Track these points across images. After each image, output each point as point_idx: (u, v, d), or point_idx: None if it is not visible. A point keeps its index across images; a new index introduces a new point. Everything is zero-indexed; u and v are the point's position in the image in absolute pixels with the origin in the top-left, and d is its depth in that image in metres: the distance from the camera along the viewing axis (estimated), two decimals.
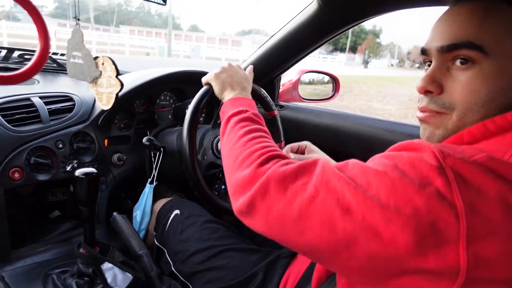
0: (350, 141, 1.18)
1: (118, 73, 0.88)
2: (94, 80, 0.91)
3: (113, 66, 0.87)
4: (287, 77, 1.47)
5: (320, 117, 1.26)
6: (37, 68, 0.67)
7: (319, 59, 26.91)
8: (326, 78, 1.56)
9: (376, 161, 0.43)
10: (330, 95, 1.55)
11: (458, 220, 0.35)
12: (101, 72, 0.90)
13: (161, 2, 0.86)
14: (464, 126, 0.48)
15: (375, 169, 0.41)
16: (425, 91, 0.51)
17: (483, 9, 0.46)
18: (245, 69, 0.89)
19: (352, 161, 0.46)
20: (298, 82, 1.45)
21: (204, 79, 0.86)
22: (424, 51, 0.53)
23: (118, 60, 0.91)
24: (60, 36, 12.92)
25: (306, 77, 1.51)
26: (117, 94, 0.89)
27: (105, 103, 0.93)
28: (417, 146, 0.42)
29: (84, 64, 0.90)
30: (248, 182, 0.50)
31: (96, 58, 0.90)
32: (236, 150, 0.58)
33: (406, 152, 0.42)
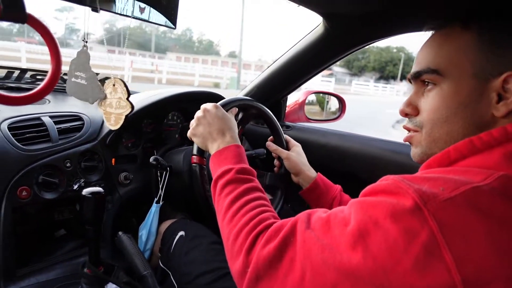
0: (356, 162, 1.17)
1: (129, 95, 0.90)
2: (102, 101, 0.92)
3: (125, 88, 0.89)
4: (292, 99, 1.48)
5: (326, 138, 1.27)
6: (49, 89, 0.69)
7: (370, 88, 27.19)
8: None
9: (355, 214, 0.44)
10: (336, 115, 1.56)
11: (450, 274, 0.35)
12: (105, 94, 0.91)
13: (171, 26, 0.88)
14: (435, 141, 0.53)
15: (356, 231, 0.42)
16: (405, 114, 0.57)
17: (442, 35, 0.53)
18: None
19: (333, 217, 0.47)
20: (304, 102, 1.46)
21: (188, 134, 0.82)
22: (409, 80, 0.59)
23: None
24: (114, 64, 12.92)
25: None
26: (126, 116, 0.91)
27: (113, 123, 0.94)
28: (395, 189, 0.43)
29: (87, 86, 0.91)
30: (241, 274, 0.52)
31: (106, 79, 0.91)
32: (225, 228, 0.60)
33: (384, 199, 0.43)
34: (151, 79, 13.87)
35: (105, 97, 0.91)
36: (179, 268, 0.89)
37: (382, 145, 1.15)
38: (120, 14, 0.79)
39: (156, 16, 0.85)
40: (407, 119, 0.58)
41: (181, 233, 0.97)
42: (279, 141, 1.03)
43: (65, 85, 1.30)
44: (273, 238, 0.51)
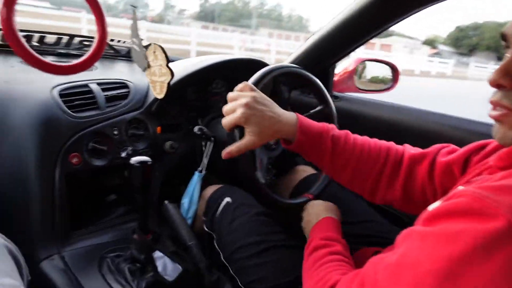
0: (412, 138, 1.08)
1: (168, 61, 0.87)
2: (149, 69, 0.91)
3: (163, 55, 0.86)
4: (342, 66, 1.39)
5: (379, 110, 1.18)
6: (96, 56, 0.67)
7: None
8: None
9: (428, 251, 0.36)
10: (388, 86, 1.45)
11: None
12: (148, 61, 0.89)
13: None
14: None
15: (437, 277, 0.35)
16: (497, 85, 0.45)
17: None
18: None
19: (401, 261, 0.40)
20: (354, 71, 1.37)
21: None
22: (503, 37, 0.46)
23: None
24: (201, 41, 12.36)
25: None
26: (168, 83, 0.89)
27: (158, 92, 0.93)
28: (479, 210, 0.35)
29: (139, 52, 0.90)
30: None
31: (148, 46, 0.89)
32: None
33: (466, 225, 0.35)
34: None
35: (148, 64, 0.90)
36: (223, 235, 0.88)
37: (442, 120, 1.05)
38: None
39: None
40: (498, 91, 0.47)
41: (228, 199, 0.95)
42: (327, 112, 0.97)
43: (111, 51, 1.31)
44: None
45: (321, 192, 0.97)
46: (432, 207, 0.41)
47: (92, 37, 1.24)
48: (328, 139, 0.72)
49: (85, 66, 0.60)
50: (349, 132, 0.77)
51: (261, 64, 1.24)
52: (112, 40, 1.32)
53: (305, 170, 1.25)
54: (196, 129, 1.02)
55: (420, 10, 0.99)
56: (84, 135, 0.88)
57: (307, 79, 0.96)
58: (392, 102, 1.28)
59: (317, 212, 0.81)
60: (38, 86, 0.89)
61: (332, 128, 0.75)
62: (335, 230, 0.74)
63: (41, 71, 0.59)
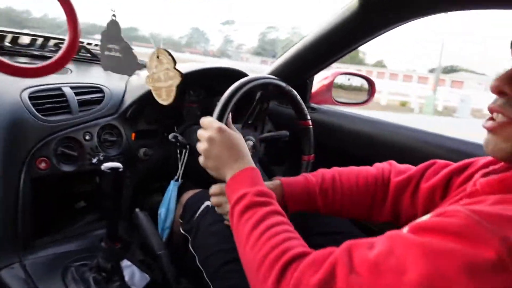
0: (386, 152, 1.10)
1: (175, 63, 0.86)
2: (151, 76, 0.89)
3: (170, 57, 0.85)
4: (319, 78, 1.41)
5: (354, 123, 1.20)
6: (67, 58, 0.65)
7: None
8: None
9: (415, 260, 0.36)
10: (365, 99, 1.48)
11: None
12: (142, 65, 0.88)
13: None
14: None
15: (419, 285, 0.35)
16: (499, 92, 0.45)
17: None
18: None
19: (382, 259, 0.39)
20: (332, 83, 1.39)
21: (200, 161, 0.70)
22: None
23: None
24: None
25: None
26: (177, 86, 0.88)
27: (165, 98, 0.90)
28: (471, 235, 0.35)
29: (122, 57, 0.89)
30: None
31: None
32: (247, 255, 0.54)
33: (457, 246, 0.35)
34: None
35: (142, 68, 0.88)
36: (200, 238, 0.86)
37: (419, 136, 1.07)
38: None
39: None
40: (499, 99, 0.45)
41: (208, 202, 0.93)
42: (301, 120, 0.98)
43: (88, 55, 1.29)
44: (308, 279, 0.43)
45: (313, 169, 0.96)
46: (418, 220, 0.41)
47: None
48: (316, 195, 0.77)
49: (55, 67, 0.58)
50: (334, 172, 0.80)
51: (238, 73, 1.24)
52: (89, 44, 1.30)
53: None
54: (171, 136, 1.01)
55: (402, 24, 1.02)
56: (53, 139, 0.86)
57: (285, 90, 0.97)
58: (368, 115, 1.31)
59: (230, 153, 0.68)
60: (7, 88, 0.86)
61: (317, 182, 0.78)
62: (262, 183, 0.65)
63: (3, 73, 0.57)
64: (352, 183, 0.78)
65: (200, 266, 0.81)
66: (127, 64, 0.88)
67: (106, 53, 0.90)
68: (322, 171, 0.81)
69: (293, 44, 1.28)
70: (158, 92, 0.90)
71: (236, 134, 0.71)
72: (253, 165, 0.67)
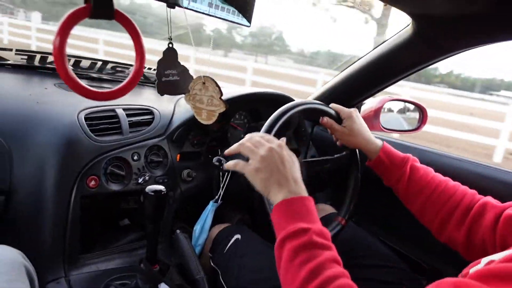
0: None
1: (221, 95, 0.90)
2: (191, 95, 0.93)
3: (217, 88, 0.91)
4: (367, 105, 1.37)
5: (404, 151, 1.14)
6: (131, 86, 0.69)
7: None
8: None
9: None
10: (415, 127, 1.40)
11: None
12: (193, 86, 0.92)
13: (246, 24, 0.85)
14: None
15: None
16: None
17: None
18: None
19: None
20: (380, 110, 1.34)
21: (237, 166, 0.68)
22: None
23: None
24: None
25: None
26: (220, 114, 0.92)
27: (204, 118, 0.95)
28: None
29: (180, 80, 0.93)
30: None
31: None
32: None
33: None
34: None
35: (193, 91, 0.92)
36: (232, 269, 0.85)
37: (471, 167, 0.99)
38: (196, 11, 0.77)
39: (231, 13, 0.82)
40: None
41: (237, 236, 0.94)
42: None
43: (141, 78, 1.35)
44: None
45: (339, 232, 0.93)
46: (487, 259, 0.39)
47: (125, 64, 1.30)
48: (407, 164, 0.85)
49: (120, 94, 0.63)
50: (432, 169, 0.85)
51: (285, 98, 1.24)
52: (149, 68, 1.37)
53: (324, 209, 1.21)
54: (215, 160, 1.02)
55: (456, 54, 0.97)
56: (104, 158, 0.89)
57: (330, 115, 0.95)
58: (419, 144, 1.24)
59: (285, 170, 0.64)
60: (66, 109, 0.92)
61: (414, 159, 0.87)
62: (318, 219, 0.60)
63: (80, 95, 0.62)
64: (443, 181, 0.81)
65: None
66: (184, 84, 0.94)
67: (164, 79, 0.94)
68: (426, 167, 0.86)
69: (342, 70, 1.26)
70: (198, 111, 0.93)
71: (295, 156, 0.69)
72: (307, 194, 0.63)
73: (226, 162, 1.04)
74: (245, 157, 0.68)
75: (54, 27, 0.68)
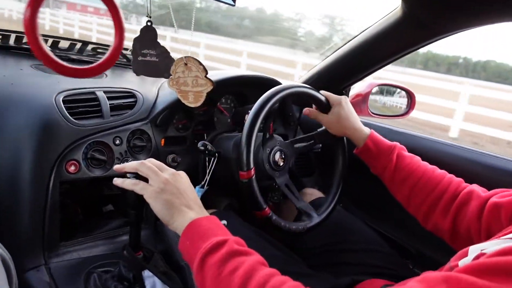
0: None
1: (206, 73, 0.86)
2: (175, 79, 0.89)
3: (201, 66, 0.87)
4: (355, 89, 1.36)
5: (391, 137, 1.13)
6: (110, 63, 0.66)
7: None
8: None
9: None
10: (403, 112, 1.40)
11: None
12: (174, 70, 0.88)
13: (231, 2, 0.81)
14: None
15: None
16: None
17: None
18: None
19: None
20: (368, 95, 1.33)
21: (136, 187, 0.65)
22: None
23: None
24: None
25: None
26: (207, 93, 0.88)
27: (192, 101, 0.91)
28: None
29: (159, 62, 0.88)
30: None
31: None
32: None
33: None
34: None
35: (174, 73, 0.88)
36: None
37: (463, 153, 0.99)
38: None
39: None
40: None
41: (224, 221, 0.92)
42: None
43: (124, 60, 1.31)
44: None
45: (327, 216, 0.93)
46: (475, 250, 0.39)
47: (106, 45, 1.25)
48: (394, 153, 0.85)
49: (97, 71, 0.61)
50: (419, 158, 0.86)
51: (272, 82, 1.21)
52: (125, 49, 1.32)
53: (312, 193, 1.21)
54: (200, 144, 0.99)
55: (446, 37, 0.96)
56: (84, 143, 0.86)
57: (319, 100, 0.93)
58: (406, 129, 1.23)
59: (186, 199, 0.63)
60: (43, 90, 0.87)
61: (401, 147, 0.88)
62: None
63: (57, 73, 0.61)
64: (430, 168, 0.82)
65: None
66: (164, 67, 0.88)
67: (140, 58, 0.90)
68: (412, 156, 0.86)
69: (331, 53, 1.24)
70: (184, 95, 0.90)
71: (189, 182, 0.67)
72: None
73: (212, 147, 1.02)
74: (135, 177, 0.66)
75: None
